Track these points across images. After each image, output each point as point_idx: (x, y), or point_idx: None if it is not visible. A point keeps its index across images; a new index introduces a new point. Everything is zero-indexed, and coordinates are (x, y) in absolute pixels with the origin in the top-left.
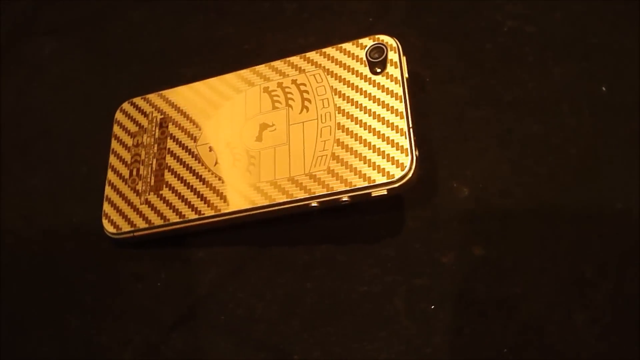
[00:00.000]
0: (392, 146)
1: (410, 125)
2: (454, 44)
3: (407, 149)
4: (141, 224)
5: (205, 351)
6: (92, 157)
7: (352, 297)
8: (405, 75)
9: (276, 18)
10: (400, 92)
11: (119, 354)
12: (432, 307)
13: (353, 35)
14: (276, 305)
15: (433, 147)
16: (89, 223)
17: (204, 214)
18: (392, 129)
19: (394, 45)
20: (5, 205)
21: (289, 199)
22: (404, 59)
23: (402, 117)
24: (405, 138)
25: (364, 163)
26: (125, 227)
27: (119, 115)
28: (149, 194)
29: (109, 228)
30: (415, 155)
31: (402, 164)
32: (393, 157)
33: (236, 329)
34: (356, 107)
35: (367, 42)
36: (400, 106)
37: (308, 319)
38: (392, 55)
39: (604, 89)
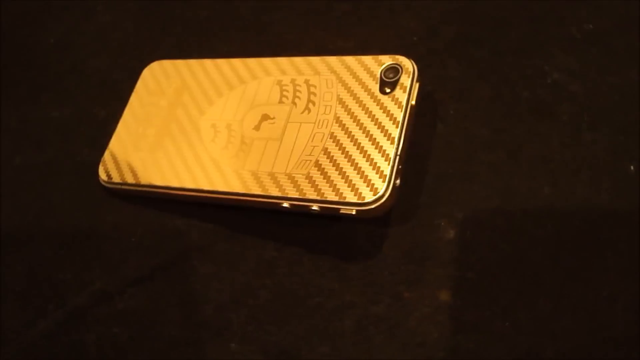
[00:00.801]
0: (374, 169)
1: (398, 154)
2: (490, 83)
3: (386, 175)
4: (130, 178)
5: (152, 314)
6: (113, 104)
7: (305, 305)
8: (412, 102)
9: (325, 15)
10: (400, 118)
11: (77, 293)
12: (380, 337)
13: (392, 49)
14: (230, 291)
15: (431, 180)
16: (90, 166)
17: (184, 185)
18: (379, 153)
19: (410, 69)
20: (22, 129)
21: (262, 193)
22: (416, 86)
23: (392, 143)
24: (388, 165)
25: (342, 178)
26: (116, 178)
27: (145, 73)
28: (145, 153)
29: (102, 175)
30: (395, 184)
31: (377, 189)
32: (370, 180)
33: (187, 302)
34: (354, 122)
35: (387, 60)
36: (395, 132)
37: (256, 313)
38: (405, 79)
39: (632, 168)
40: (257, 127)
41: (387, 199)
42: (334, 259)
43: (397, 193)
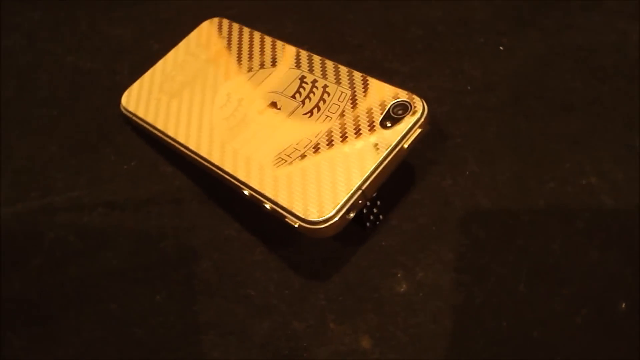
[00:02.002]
0: (332, 194)
1: (362, 189)
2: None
3: (338, 204)
4: (141, 113)
5: (107, 238)
6: (168, 42)
7: (234, 292)
8: (405, 144)
9: (392, 32)
10: (381, 156)
11: (58, 193)
12: (286, 352)
13: (436, 87)
14: (173, 251)
15: (408, 228)
16: (119, 88)
17: (177, 137)
18: (345, 181)
19: (418, 113)
20: (87, 36)
21: (231, 173)
22: (416, 131)
23: (360, 176)
24: (345, 195)
25: (302, 189)
26: (131, 108)
27: (204, 24)
28: (164, 96)
29: (123, 100)
30: (347, 216)
31: (324, 213)
32: (323, 202)
33: (140, 238)
34: (341, 141)
35: (402, 95)
36: (369, 167)
37: (186, 283)
38: (407, 120)
39: (623, 305)
40: (261, 112)
41: (329, 226)
42: (282, 265)
43: (344, 224)
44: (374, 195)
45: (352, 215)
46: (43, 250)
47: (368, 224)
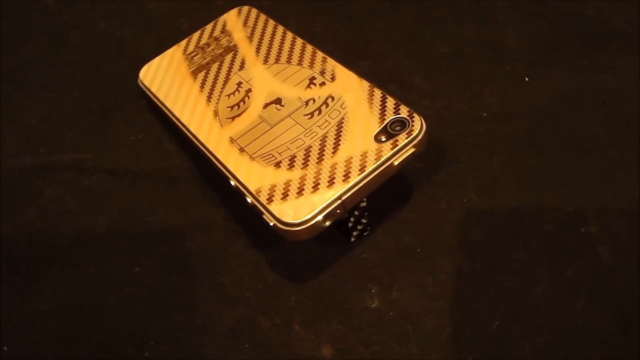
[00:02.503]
0: (312, 199)
1: (342, 199)
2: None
3: (315, 210)
4: (154, 88)
5: (103, 203)
6: (196, 23)
7: (209, 278)
8: (395, 162)
9: (418, 46)
10: (367, 169)
11: (65, 152)
12: (246, 346)
13: (451, 108)
14: (159, 227)
15: (387, 246)
16: (142, 61)
17: (180, 118)
18: (326, 188)
19: (415, 131)
20: (114, 8)
21: (222, 161)
22: (409, 150)
23: (341, 187)
24: (324, 203)
25: (283, 189)
26: (147, 82)
27: (233, 11)
28: (180, 76)
29: (141, 73)
30: (322, 224)
31: (299, 216)
32: (300, 206)
33: (133, 208)
34: (333, 149)
35: (403, 111)
36: (352, 178)
37: (165, 261)
38: (402, 138)
39: None
40: (265, 106)
41: (302, 230)
42: (248, 266)
43: (319, 231)
44: (364, 205)
45: (328, 223)
46: (39, 204)
47: (354, 235)
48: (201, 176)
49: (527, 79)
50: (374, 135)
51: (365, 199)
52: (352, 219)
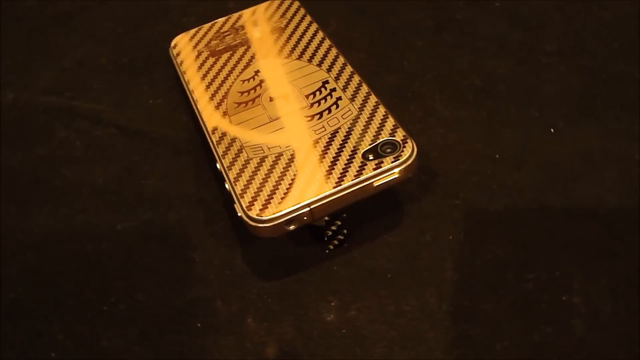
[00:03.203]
0: (281, 200)
1: (311, 208)
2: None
3: (281, 212)
4: (180, 58)
5: (103, 158)
6: (242, 5)
7: (181, 251)
8: (375, 183)
9: (451, 73)
10: (342, 185)
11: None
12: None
13: (465, 143)
14: (150, 192)
15: (359, 264)
16: (180, 29)
17: (195, 96)
18: (300, 193)
19: (403, 157)
20: None
21: (215, 142)
22: (392, 175)
23: (313, 195)
24: (291, 206)
25: (260, 183)
26: (176, 51)
27: (264, 4)
28: (208, 54)
29: (172, 43)
30: (286, 226)
31: (264, 214)
32: (269, 204)
33: (124, 175)
34: (321, 154)
35: (399, 135)
36: (326, 189)
37: (146, 225)
38: (389, 161)
39: None
40: (272, 99)
41: (264, 227)
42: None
43: (283, 232)
44: (344, 218)
45: (292, 227)
46: (50, 144)
47: (330, 247)
48: (203, 153)
49: (552, 129)
50: (362, 151)
51: (344, 213)
52: (329, 230)
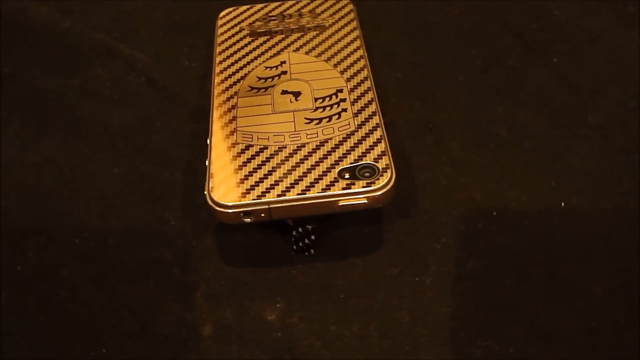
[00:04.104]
0: (245, 191)
1: (270, 207)
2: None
3: (239, 202)
4: (219, 31)
5: (117, 96)
6: None
7: (162, 211)
8: (340, 203)
9: (479, 118)
10: (306, 195)
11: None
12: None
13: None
14: (153, 146)
15: (317, 275)
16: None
17: (216, 67)
18: (264, 190)
19: (376, 185)
20: None
21: (213, 118)
22: (360, 200)
23: (274, 195)
24: (250, 199)
25: (234, 170)
26: (220, 22)
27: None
28: (249, 31)
29: (220, 14)
30: (243, 218)
31: (224, 199)
32: (232, 192)
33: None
34: (298, 161)
35: (383, 162)
36: (288, 194)
37: (138, 180)
38: (360, 185)
39: None
40: (284, 92)
41: (221, 212)
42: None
43: (240, 222)
44: (312, 227)
45: (248, 220)
46: (84, 77)
47: (295, 248)
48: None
49: (562, 203)
50: (340, 168)
51: (313, 223)
52: (295, 233)
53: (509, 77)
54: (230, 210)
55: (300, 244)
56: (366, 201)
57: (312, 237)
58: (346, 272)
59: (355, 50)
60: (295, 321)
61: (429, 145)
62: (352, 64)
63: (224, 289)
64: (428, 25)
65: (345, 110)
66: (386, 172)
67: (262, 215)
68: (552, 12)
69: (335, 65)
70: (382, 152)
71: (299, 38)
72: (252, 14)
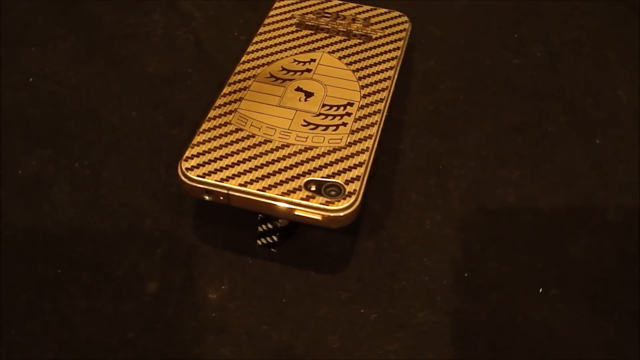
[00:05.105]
0: (213, 170)
1: (228, 192)
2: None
3: (202, 179)
4: (273, 12)
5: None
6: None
7: (147, 187)
8: (295, 212)
9: (493, 192)
10: (264, 193)
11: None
12: (135, 253)
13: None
14: (172, 102)
15: (268, 272)
16: None
17: (252, 44)
18: (232, 175)
19: (334, 207)
20: None
21: (223, 92)
22: (314, 214)
23: (236, 183)
24: (213, 180)
25: (217, 144)
26: (273, 6)
27: (394, 13)
28: (297, 21)
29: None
30: (202, 194)
31: (190, 172)
32: (202, 166)
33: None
34: (275, 158)
35: (352, 187)
36: (249, 189)
37: (128, 149)
38: (319, 201)
39: None
40: (298, 90)
41: (184, 182)
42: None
43: (200, 197)
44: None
45: (208, 198)
46: (142, 19)
47: (258, 242)
48: None
49: (541, 289)
50: (309, 179)
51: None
52: (261, 228)
53: (539, 143)
54: (191, 184)
55: (264, 240)
56: (320, 218)
57: (275, 237)
58: (298, 280)
59: (386, 70)
60: (232, 308)
61: (430, 185)
62: (376, 82)
63: (183, 255)
64: (480, 68)
65: (345, 124)
66: (350, 196)
67: (221, 198)
68: (616, 92)
69: (360, 79)
70: (357, 176)
71: (339, 41)
72: (310, 5)
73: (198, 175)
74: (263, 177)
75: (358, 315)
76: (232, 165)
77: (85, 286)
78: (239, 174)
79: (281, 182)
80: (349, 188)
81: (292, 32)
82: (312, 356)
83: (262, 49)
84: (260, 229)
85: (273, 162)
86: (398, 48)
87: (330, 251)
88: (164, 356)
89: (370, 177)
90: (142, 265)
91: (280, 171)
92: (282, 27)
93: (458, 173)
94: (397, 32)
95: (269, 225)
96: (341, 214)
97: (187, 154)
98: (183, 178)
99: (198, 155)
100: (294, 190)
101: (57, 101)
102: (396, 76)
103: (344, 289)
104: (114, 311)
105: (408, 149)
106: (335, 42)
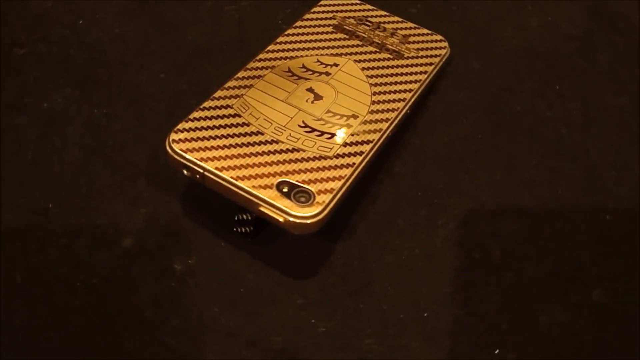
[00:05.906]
0: (198, 148)
1: (204, 173)
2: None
3: (185, 154)
4: (311, 11)
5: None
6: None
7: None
8: (259, 207)
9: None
10: (236, 182)
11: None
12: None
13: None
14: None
15: (235, 260)
16: None
17: (277, 41)
18: (213, 157)
19: (298, 212)
20: None
21: (236, 76)
22: (276, 215)
23: (213, 166)
24: (195, 158)
25: (209, 124)
26: (318, 4)
27: (436, 36)
28: (336, 22)
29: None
30: (183, 169)
31: (175, 144)
32: (188, 141)
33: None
34: (261, 151)
35: (322, 199)
36: (224, 175)
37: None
38: (284, 203)
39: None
40: (309, 90)
41: (167, 154)
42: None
43: (180, 172)
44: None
45: (186, 174)
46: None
47: (235, 229)
48: None
49: (497, 351)
50: (282, 179)
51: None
52: (237, 216)
53: (546, 204)
54: (173, 155)
55: (240, 229)
56: (282, 221)
57: (249, 229)
58: (261, 276)
59: (404, 91)
60: (191, 284)
61: (420, 216)
62: (389, 100)
63: (165, 221)
64: (509, 112)
65: (340, 135)
66: (317, 207)
67: (197, 177)
68: None
69: (374, 94)
70: (331, 189)
71: (369, 52)
72: (355, 10)
73: (181, 149)
74: (240, 167)
75: (307, 324)
76: (217, 147)
77: (69, 226)
78: (219, 158)
79: (256, 176)
80: (319, 199)
81: (327, 33)
82: (251, 350)
83: (291, 42)
84: (236, 217)
85: (256, 154)
86: (425, 72)
87: (301, 254)
88: (116, 309)
89: (352, 193)
90: (124, 220)
91: (259, 165)
92: (319, 26)
93: (451, 212)
94: (430, 56)
95: (247, 216)
96: (304, 221)
97: (179, 126)
98: (167, 149)
99: (189, 130)
100: (265, 187)
101: (97, 47)
102: (414, 99)
103: (302, 295)
104: (87, 255)
105: (409, 174)
106: (365, 52)
